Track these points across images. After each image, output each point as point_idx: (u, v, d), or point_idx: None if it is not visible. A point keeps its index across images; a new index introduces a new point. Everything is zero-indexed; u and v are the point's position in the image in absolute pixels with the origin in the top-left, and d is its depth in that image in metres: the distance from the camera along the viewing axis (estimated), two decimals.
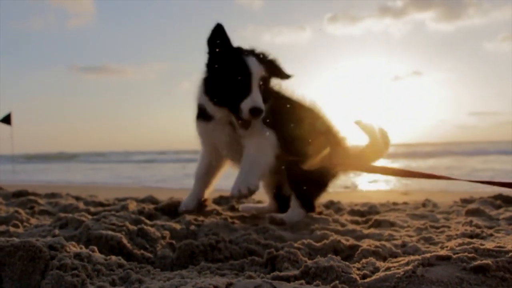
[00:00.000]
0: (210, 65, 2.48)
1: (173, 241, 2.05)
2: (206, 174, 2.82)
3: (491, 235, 2.05)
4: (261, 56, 2.46)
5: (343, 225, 2.48)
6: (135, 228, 2.05)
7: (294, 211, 2.59)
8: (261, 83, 2.37)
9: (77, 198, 3.78)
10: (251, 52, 2.44)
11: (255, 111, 2.29)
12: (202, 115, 2.59)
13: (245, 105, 2.30)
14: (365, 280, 1.35)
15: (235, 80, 2.34)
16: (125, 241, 1.89)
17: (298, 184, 2.61)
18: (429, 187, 6.50)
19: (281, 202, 2.86)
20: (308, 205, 2.66)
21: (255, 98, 2.31)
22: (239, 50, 2.44)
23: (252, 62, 2.36)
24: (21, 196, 3.61)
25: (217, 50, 2.41)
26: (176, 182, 9.19)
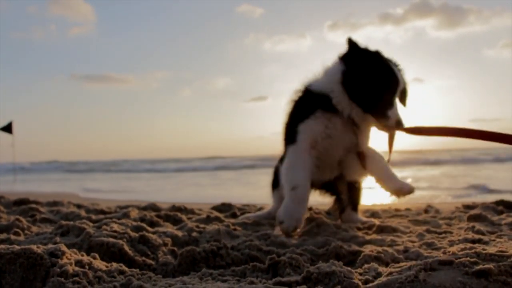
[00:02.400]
0: (356, 69, 2.42)
1: (175, 248, 2.05)
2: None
3: (493, 240, 2.04)
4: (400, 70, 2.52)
5: (345, 231, 2.47)
6: (136, 235, 2.05)
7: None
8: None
9: (79, 206, 3.78)
10: (394, 63, 2.48)
11: (400, 123, 2.41)
12: (329, 110, 2.47)
13: (393, 115, 2.39)
14: (367, 285, 1.35)
15: (386, 89, 2.39)
16: (126, 248, 1.89)
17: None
18: (431, 194, 6.49)
19: None
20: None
21: (398, 111, 2.43)
22: (386, 59, 2.45)
23: (400, 74, 2.43)
24: (22, 205, 3.61)
25: (364, 55, 2.42)
26: (179, 191, 9.18)
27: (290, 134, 2.54)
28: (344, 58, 2.46)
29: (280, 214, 2.32)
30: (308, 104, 2.52)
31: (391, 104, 2.41)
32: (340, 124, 2.47)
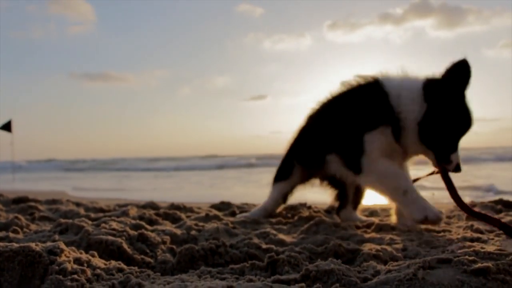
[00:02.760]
0: (439, 103, 2.28)
1: (174, 246, 2.05)
2: None
3: (492, 239, 2.04)
4: None
5: (344, 229, 2.47)
6: (135, 233, 2.05)
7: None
8: None
9: (78, 204, 3.78)
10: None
11: (458, 169, 2.34)
12: (395, 131, 2.37)
13: (455, 159, 2.32)
14: (366, 283, 1.35)
15: (460, 131, 2.32)
16: (125, 246, 1.89)
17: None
18: (429, 193, 6.49)
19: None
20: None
21: (459, 154, 2.35)
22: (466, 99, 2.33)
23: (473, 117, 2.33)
24: (21, 203, 3.61)
25: (456, 91, 2.29)
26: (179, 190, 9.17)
27: (354, 141, 2.43)
28: (433, 87, 2.32)
29: (417, 215, 2.23)
30: (379, 111, 2.39)
31: (457, 147, 2.35)
32: (397, 150, 2.42)
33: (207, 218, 2.90)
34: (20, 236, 2.21)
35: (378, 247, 1.87)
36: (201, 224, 2.52)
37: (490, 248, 1.54)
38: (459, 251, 1.53)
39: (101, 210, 3.41)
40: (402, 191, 2.29)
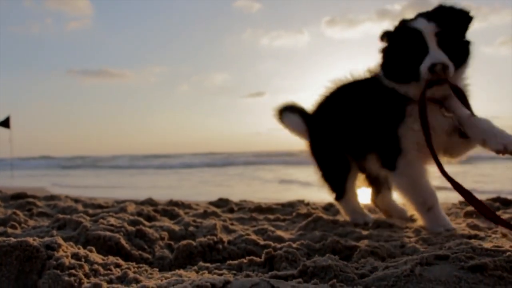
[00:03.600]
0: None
1: (172, 242, 2.05)
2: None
3: (489, 236, 2.04)
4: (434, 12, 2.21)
5: (342, 226, 2.48)
6: (133, 229, 2.05)
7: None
8: (439, 39, 2.08)
9: (76, 201, 3.78)
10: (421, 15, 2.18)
11: (433, 68, 2.01)
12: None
13: (424, 66, 2.05)
14: (363, 279, 1.35)
15: (408, 48, 2.13)
16: (123, 241, 1.89)
17: None
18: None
19: None
20: None
21: (435, 54, 2.03)
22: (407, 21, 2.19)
23: (420, 23, 2.11)
24: (19, 199, 3.61)
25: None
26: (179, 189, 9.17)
27: (388, 142, 2.29)
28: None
29: (434, 230, 2.27)
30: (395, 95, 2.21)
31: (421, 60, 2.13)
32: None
33: (205, 214, 2.90)
34: (18, 231, 2.21)
35: (376, 243, 1.87)
36: (199, 220, 2.52)
37: (487, 244, 1.54)
38: (457, 247, 1.53)
39: (99, 206, 3.40)
40: (427, 207, 2.32)
